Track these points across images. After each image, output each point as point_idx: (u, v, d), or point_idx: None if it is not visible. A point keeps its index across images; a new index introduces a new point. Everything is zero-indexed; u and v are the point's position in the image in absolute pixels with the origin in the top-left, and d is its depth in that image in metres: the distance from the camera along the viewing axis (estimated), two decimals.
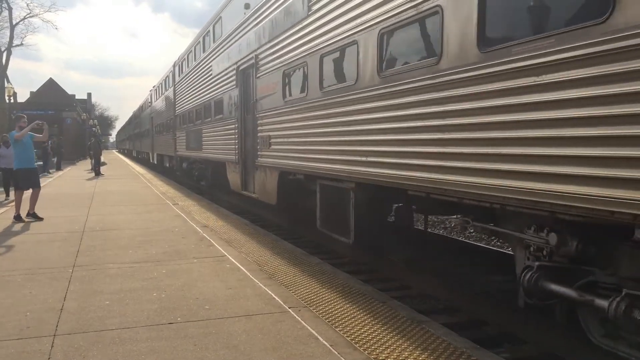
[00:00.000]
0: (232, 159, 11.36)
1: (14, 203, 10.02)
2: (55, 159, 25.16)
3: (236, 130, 10.89)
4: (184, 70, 19.13)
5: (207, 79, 14.39)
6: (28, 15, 38.38)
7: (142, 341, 3.58)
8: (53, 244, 7.18)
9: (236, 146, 10.89)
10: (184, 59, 19.00)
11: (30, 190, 9.62)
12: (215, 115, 13.24)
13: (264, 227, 9.82)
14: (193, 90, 16.62)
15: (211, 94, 13.67)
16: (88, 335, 3.71)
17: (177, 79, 20.73)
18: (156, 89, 28.85)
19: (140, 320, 4.02)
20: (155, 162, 29.14)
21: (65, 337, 3.68)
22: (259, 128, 9.37)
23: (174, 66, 21.47)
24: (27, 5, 61.75)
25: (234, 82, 11.15)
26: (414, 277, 6.41)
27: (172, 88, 21.82)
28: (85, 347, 3.48)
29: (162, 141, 25.17)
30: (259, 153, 9.42)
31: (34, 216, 9.42)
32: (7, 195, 12.96)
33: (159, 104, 27.29)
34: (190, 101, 17.07)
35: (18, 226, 8.79)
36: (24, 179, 9.51)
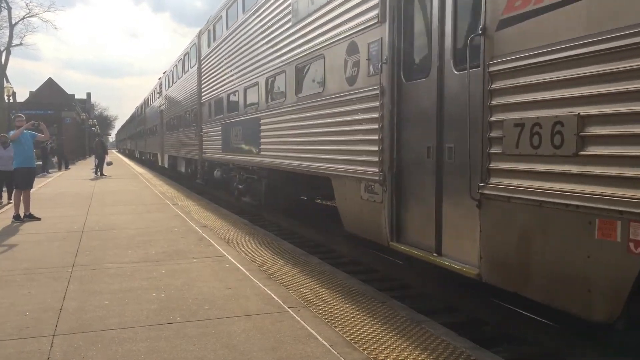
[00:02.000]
0: (363, 172, 5.86)
1: (12, 203, 10.02)
2: (54, 159, 25.11)
3: (379, 115, 5.51)
4: (218, 35, 13.23)
5: (274, 34, 8.77)
6: (27, 15, 38.42)
7: (142, 341, 3.58)
8: (52, 243, 7.17)
9: (379, 147, 5.53)
10: (220, 18, 13.14)
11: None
12: (299, 91, 7.81)
13: (264, 227, 9.81)
14: (240, 61, 10.89)
15: (287, 57, 8.17)
16: (87, 335, 3.70)
17: (204, 52, 15.11)
18: (168, 75, 23.32)
19: (139, 320, 4.01)
20: (166, 166, 23.97)
21: (64, 337, 3.67)
22: (516, 99, 3.73)
23: (199, 36, 15.89)
24: (27, 5, 61.83)
25: (374, 15, 5.56)
26: (414, 277, 6.41)
27: (195, 67, 16.24)
28: (84, 347, 3.47)
29: (178, 140, 19.92)
30: (505, 166, 3.84)
31: (30, 217, 9.41)
32: (1, 197, 12.87)
33: (172, 92, 21.88)
34: (233, 79, 11.55)
35: (17, 226, 8.78)
36: (24, 178, 9.51)
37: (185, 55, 18.65)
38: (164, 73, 25.42)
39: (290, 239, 8.80)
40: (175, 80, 21.23)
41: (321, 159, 6.92)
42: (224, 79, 12.37)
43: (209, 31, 14.51)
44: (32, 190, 9.75)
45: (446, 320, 4.80)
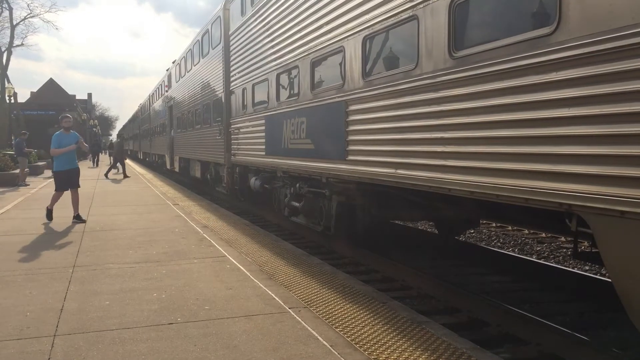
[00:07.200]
0: None
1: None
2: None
3: None
4: None
5: None
6: (29, 16, 38.25)
7: (142, 341, 3.58)
8: (53, 244, 7.18)
9: None
10: None
11: (56, 192, 9.88)
12: (463, 42, 4.52)
13: (264, 227, 9.82)
14: (305, 21, 7.78)
15: None
16: (88, 335, 3.71)
17: (236, 23, 11.92)
18: (179, 64, 20.51)
19: (140, 320, 4.01)
20: (177, 170, 20.93)
21: (65, 337, 3.68)
22: None
23: (224, 7, 12.83)
24: (28, 6, 61.56)
25: None
26: (415, 278, 6.41)
27: (219, 47, 13.31)
28: (85, 348, 3.48)
29: (192, 139, 16.97)
30: None
31: (78, 218, 9.59)
32: None
33: (185, 83, 18.92)
34: (288, 50, 8.57)
35: (19, 225, 8.79)
36: (74, 178, 9.96)
37: (204, 35, 15.23)
38: (173, 62, 22.14)
39: (290, 239, 8.81)
40: (189, 68, 17.93)
41: (553, 174, 3.58)
42: (272, 53, 9.36)
43: None
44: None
45: (447, 321, 4.82)
